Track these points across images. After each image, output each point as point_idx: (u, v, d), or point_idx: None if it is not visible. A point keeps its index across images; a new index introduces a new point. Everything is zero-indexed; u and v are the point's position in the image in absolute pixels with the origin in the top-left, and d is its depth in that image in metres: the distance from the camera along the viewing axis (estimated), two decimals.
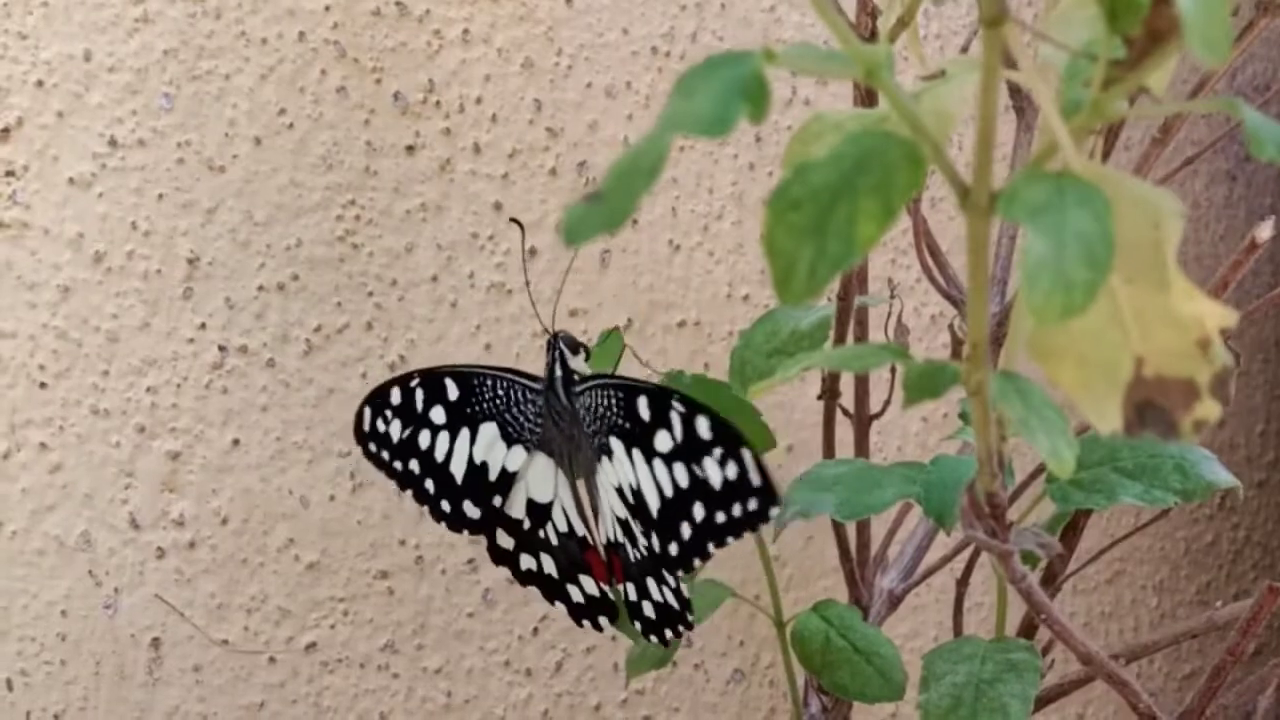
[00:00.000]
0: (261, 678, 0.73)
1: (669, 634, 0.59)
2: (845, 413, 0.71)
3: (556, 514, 0.61)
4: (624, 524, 0.58)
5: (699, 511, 0.55)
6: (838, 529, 0.72)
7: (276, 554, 0.73)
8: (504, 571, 0.76)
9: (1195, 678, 0.98)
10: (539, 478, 0.61)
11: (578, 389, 0.60)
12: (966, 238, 0.39)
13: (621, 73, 0.80)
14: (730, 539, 0.55)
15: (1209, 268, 0.97)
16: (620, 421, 0.58)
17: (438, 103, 0.76)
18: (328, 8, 0.74)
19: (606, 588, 0.61)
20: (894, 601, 0.72)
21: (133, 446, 0.70)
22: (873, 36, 0.61)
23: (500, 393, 0.61)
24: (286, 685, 0.73)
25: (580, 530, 0.61)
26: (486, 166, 0.77)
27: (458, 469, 0.61)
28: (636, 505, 0.57)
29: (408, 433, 0.61)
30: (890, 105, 0.39)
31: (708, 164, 0.83)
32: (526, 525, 0.62)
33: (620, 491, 0.58)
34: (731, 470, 0.54)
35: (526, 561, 0.62)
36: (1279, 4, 0.60)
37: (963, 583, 0.71)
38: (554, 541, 0.61)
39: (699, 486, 0.55)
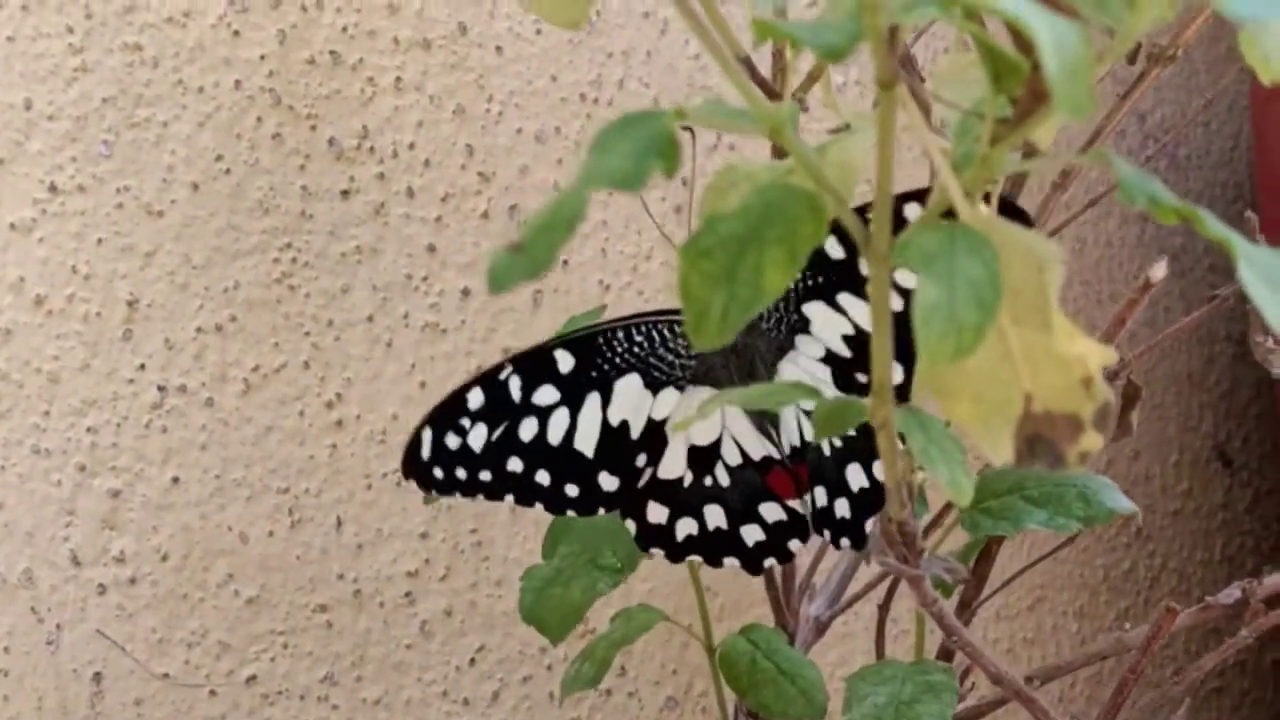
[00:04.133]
0: (202, 711, 0.73)
1: (867, 526, 0.57)
2: None
3: (727, 449, 0.59)
4: (803, 439, 0.57)
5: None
6: None
7: (216, 589, 0.74)
8: (442, 603, 0.78)
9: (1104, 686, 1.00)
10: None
11: None
12: (869, 283, 0.41)
13: (551, 119, 0.82)
14: None
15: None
16: (809, 283, 0.57)
17: (371, 148, 0.78)
18: (263, 56, 0.75)
19: (796, 504, 0.59)
20: (820, 628, 0.74)
21: (73, 485, 0.71)
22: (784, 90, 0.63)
23: (639, 339, 0.59)
24: (227, 718, 0.74)
25: (760, 453, 0.59)
26: (420, 210, 0.79)
27: (586, 442, 0.58)
28: (856, 355, 0.55)
29: (501, 431, 0.58)
30: (795, 159, 0.41)
31: (635, 207, 0.85)
32: (688, 480, 0.59)
33: (829, 359, 0.56)
34: None
35: (685, 527, 0.60)
36: (1170, 56, 0.62)
37: (884, 608, 0.73)
38: (724, 483, 0.59)
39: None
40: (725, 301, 0.39)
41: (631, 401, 0.59)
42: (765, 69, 0.65)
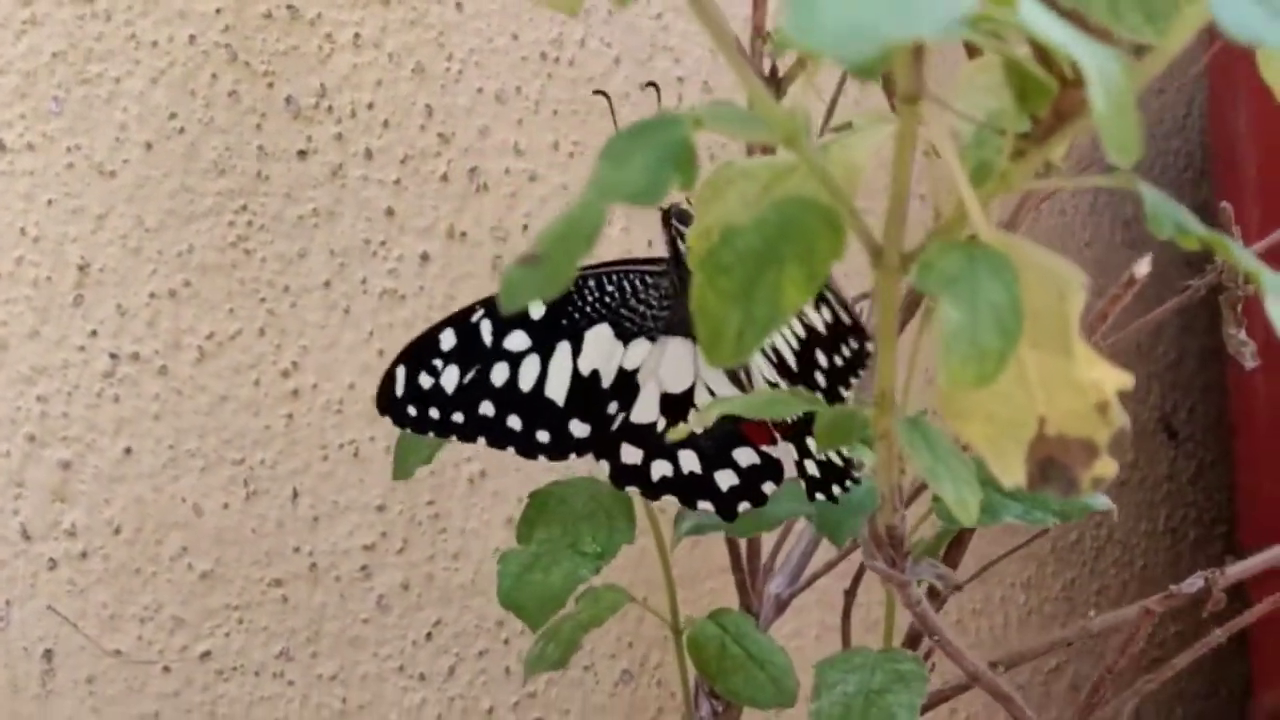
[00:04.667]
0: (156, 687, 0.73)
1: (836, 490, 0.58)
2: None
3: (700, 396, 0.60)
4: (773, 386, 0.57)
5: (822, 358, 0.54)
6: (730, 538, 0.74)
7: (170, 563, 0.73)
8: (398, 576, 0.78)
9: (1059, 672, 1.02)
10: (673, 365, 0.60)
11: None
12: (877, 294, 0.42)
13: (511, 78, 0.82)
14: (852, 381, 0.54)
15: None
16: None
17: (329, 107, 0.77)
18: (219, 10, 0.74)
19: (770, 449, 0.60)
20: (780, 606, 0.75)
21: (23, 456, 0.70)
22: (773, 75, 0.63)
23: (610, 289, 0.60)
24: (181, 694, 0.74)
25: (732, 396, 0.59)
26: (378, 172, 0.78)
27: (557, 390, 0.59)
28: (779, 361, 0.56)
29: (473, 374, 0.59)
30: (807, 168, 0.41)
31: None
32: (661, 425, 0.60)
33: (764, 352, 0.57)
34: (826, 313, 0.53)
35: (660, 469, 0.61)
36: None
37: (850, 593, 0.74)
38: (698, 430, 0.60)
39: (811, 333, 0.54)
40: (741, 321, 0.39)
41: (602, 351, 0.60)
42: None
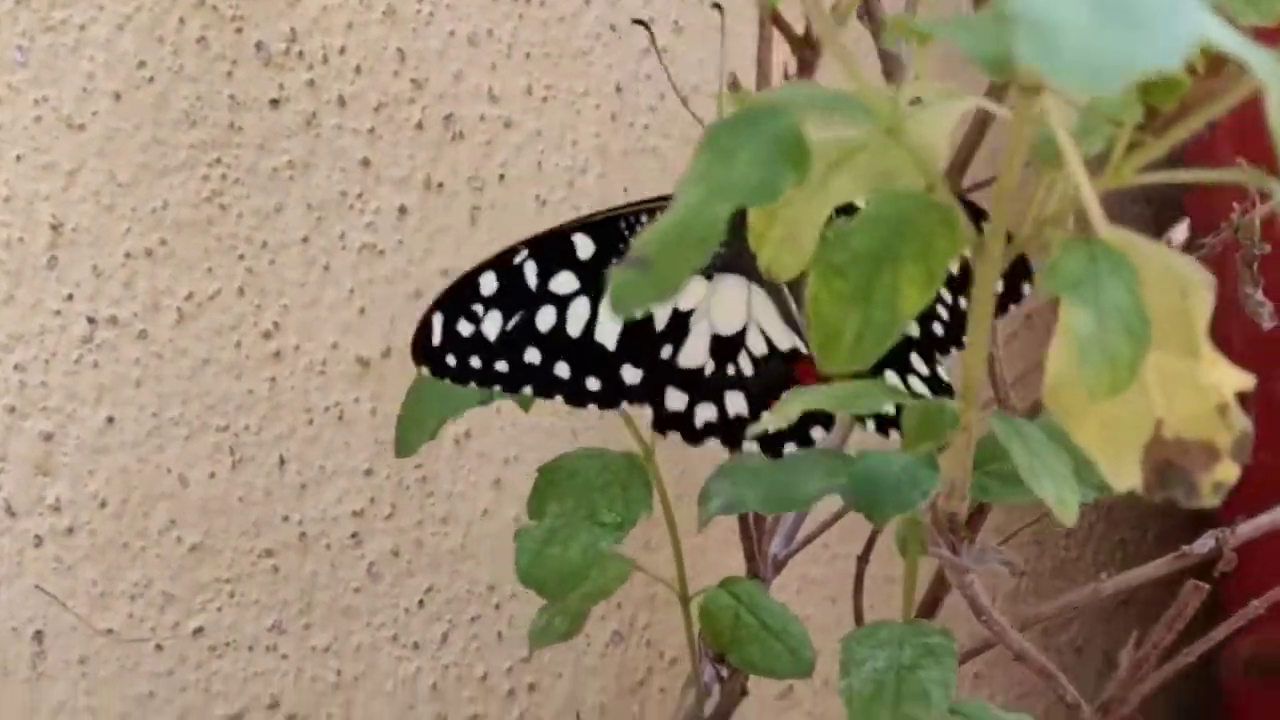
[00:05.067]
0: (149, 666, 0.71)
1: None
2: None
3: (752, 339, 0.59)
4: None
5: (942, 309, 0.54)
6: None
7: (158, 536, 0.71)
8: (388, 543, 0.77)
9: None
10: (726, 305, 0.58)
11: None
12: (974, 285, 0.41)
13: (483, 20, 0.81)
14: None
15: None
16: None
17: (300, 53, 0.75)
18: None
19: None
20: (778, 567, 0.74)
21: (3, 428, 0.68)
22: (807, 38, 0.62)
23: None
24: (175, 673, 0.72)
25: (787, 344, 0.58)
26: (352, 121, 0.77)
27: (608, 334, 0.57)
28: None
29: (517, 320, 0.57)
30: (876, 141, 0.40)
31: (570, 115, 0.84)
32: (709, 369, 0.58)
33: None
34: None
35: (705, 413, 0.59)
36: None
37: (863, 559, 0.73)
38: (748, 372, 0.58)
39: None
40: (859, 325, 0.38)
41: None
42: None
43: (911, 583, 0.69)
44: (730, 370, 0.59)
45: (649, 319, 0.58)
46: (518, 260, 0.57)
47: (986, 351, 0.42)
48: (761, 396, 0.59)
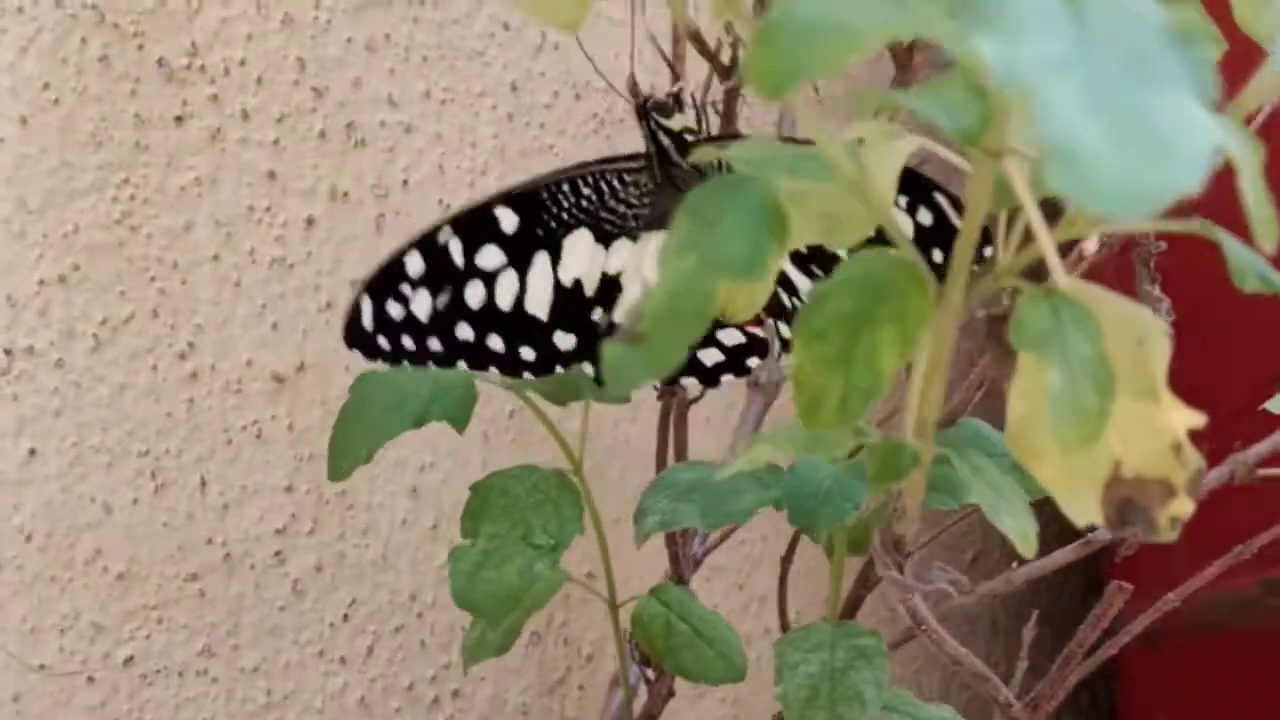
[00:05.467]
0: (82, 699, 0.72)
1: None
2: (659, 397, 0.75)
3: None
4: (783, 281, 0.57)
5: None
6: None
7: (84, 567, 0.72)
8: (311, 559, 0.78)
9: None
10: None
11: (691, 147, 0.58)
12: (935, 328, 0.41)
13: (380, 25, 0.81)
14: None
15: None
16: None
17: (202, 67, 0.75)
18: None
19: (755, 330, 0.59)
20: (695, 564, 0.77)
21: None
22: (733, 65, 0.63)
23: (586, 192, 0.58)
24: (108, 704, 0.72)
25: None
26: (256, 133, 0.77)
27: (539, 304, 0.58)
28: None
29: (446, 298, 0.56)
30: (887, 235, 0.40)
31: (469, 117, 0.85)
32: None
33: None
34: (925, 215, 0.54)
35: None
36: None
37: (787, 560, 0.76)
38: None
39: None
40: (843, 389, 0.39)
41: (584, 257, 0.58)
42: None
43: (838, 585, 0.71)
44: None
45: (578, 287, 0.58)
46: (442, 239, 0.56)
47: (942, 392, 0.43)
48: (708, 338, 0.60)
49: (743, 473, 0.67)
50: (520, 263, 0.57)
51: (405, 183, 0.83)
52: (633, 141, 0.90)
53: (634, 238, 0.59)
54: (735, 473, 0.66)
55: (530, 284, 0.58)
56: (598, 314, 0.59)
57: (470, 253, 0.57)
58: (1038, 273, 0.41)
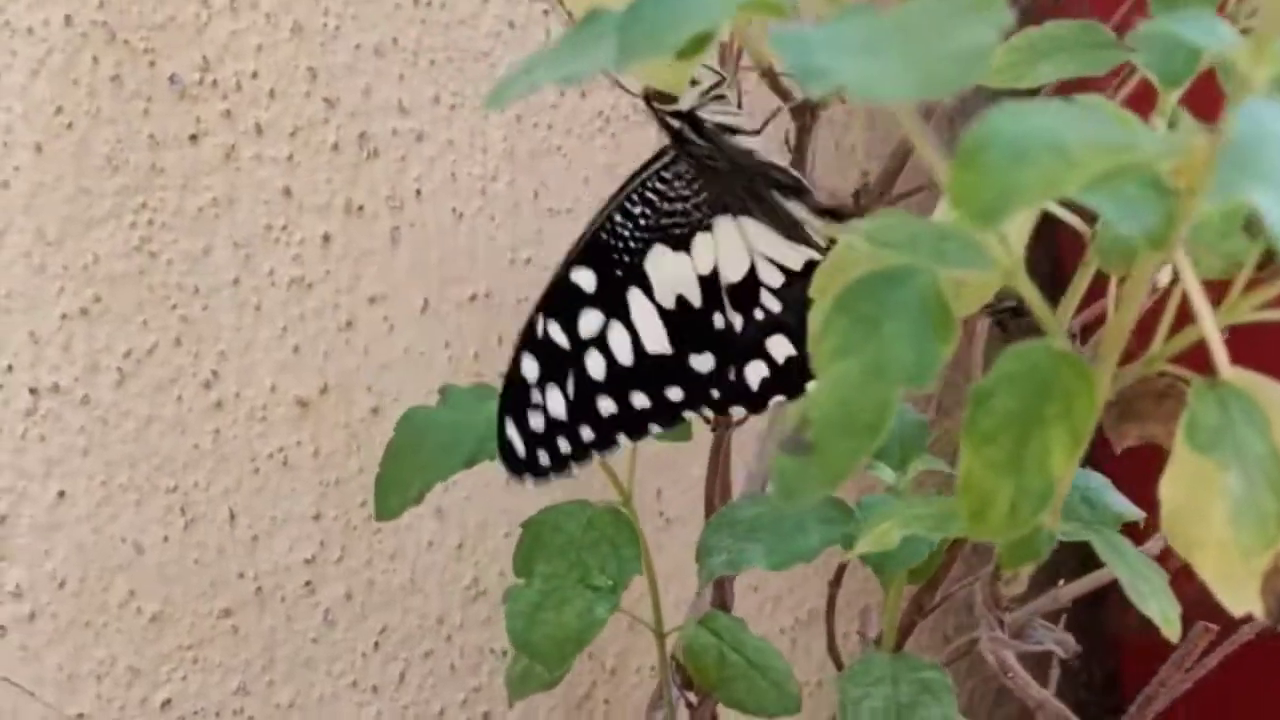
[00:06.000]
0: None
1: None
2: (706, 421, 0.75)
3: (765, 274, 0.56)
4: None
5: None
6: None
7: (118, 610, 0.71)
8: (341, 588, 0.77)
9: None
10: (730, 249, 0.56)
11: (705, 120, 0.56)
12: (1078, 415, 0.39)
13: (388, 29, 0.80)
14: None
15: None
16: None
17: (214, 82, 0.74)
18: None
19: None
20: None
21: None
22: (807, 102, 0.62)
23: (638, 210, 0.56)
24: None
25: (801, 261, 0.56)
26: (270, 148, 0.76)
27: (656, 340, 0.56)
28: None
29: (574, 383, 0.55)
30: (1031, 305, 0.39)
31: (478, 121, 0.84)
32: (739, 324, 0.56)
33: None
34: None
35: (756, 372, 0.57)
36: None
37: (835, 583, 0.76)
38: (776, 309, 0.56)
39: None
40: (1013, 493, 0.38)
41: (671, 272, 0.56)
42: None
43: (893, 614, 0.71)
44: (760, 315, 0.56)
45: (683, 304, 0.56)
46: (540, 330, 0.56)
47: (1074, 471, 0.42)
48: (802, 328, 0.56)
49: (808, 510, 0.67)
50: (620, 311, 0.56)
51: (419, 193, 0.82)
52: (638, 138, 0.90)
53: (707, 228, 0.56)
54: (801, 510, 0.66)
55: (639, 326, 0.56)
56: (718, 320, 0.56)
57: (571, 328, 0.56)
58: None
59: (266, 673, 0.76)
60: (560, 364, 0.56)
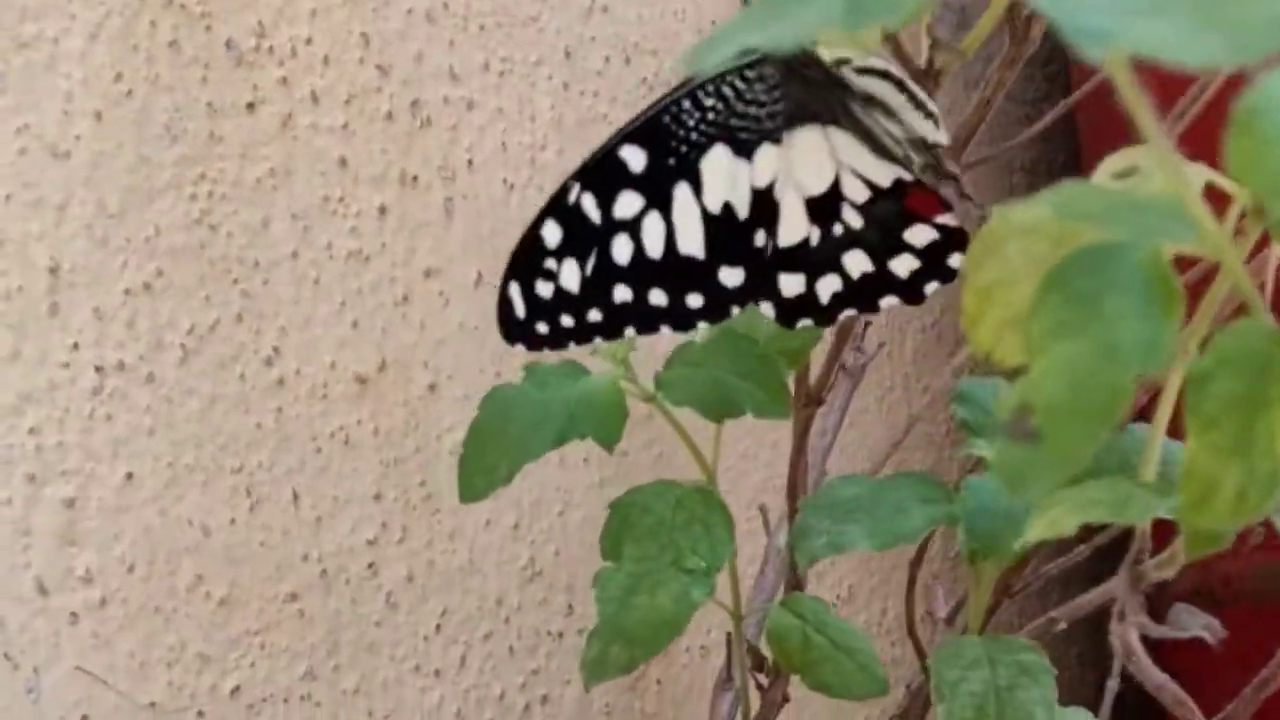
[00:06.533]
0: None
1: None
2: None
3: (849, 188, 0.53)
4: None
5: None
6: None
7: (187, 594, 0.70)
8: (402, 569, 0.76)
9: None
10: (808, 161, 0.53)
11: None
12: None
13: None
14: None
15: None
16: None
17: (270, 48, 0.73)
18: None
19: (946, 219, 0.54)
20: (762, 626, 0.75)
21: (25, 500, 0.65)
22: (929, 70, 0.61)
23: (710, 102, 0.53)
24: None
25: (888, 178, 0.53)
26: (326, 117, 0.75)
27: (692, 242, 0.53)
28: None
29: (593, 261, 0.53)
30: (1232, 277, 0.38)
31: (526, 88, 0.84)
32: (815, 239, 0.53)
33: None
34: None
35: (828, 285, 0.54)
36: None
37: (916, 564, 0.75)
38: (857, 225, 0.53)
39: None
40: (1242, 480, 0.37)
41: (727, 177, 0.53)
42: None
43: (982, 596, 0.70)
44: (838, 230, 0.54)
45: (729, 212, 0.53)
46: (573, 198, 0.52)
47: None
48: (882, 245, 0.54)
49: (905, 485, 0.66)
50: (661, 202, 0.52)
51: (470, 163, 0.81)
52: None
53: (776, 140, 0.53)
54: (895, 486, 0.66)
55: (678, 222, 0.53)
56: (760, 238, 0.53)
57: (606, 205, 0.52)
58: None
59: (332, 657, 0.75)
60: (585, 239, 0.53)
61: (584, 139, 0.86)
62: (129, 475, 0.68)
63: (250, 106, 0.72)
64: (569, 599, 0.85)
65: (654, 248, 0.52)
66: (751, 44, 0.36)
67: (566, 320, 0.53)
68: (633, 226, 0.52)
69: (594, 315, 0.53)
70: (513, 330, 0.53)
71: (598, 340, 0.54)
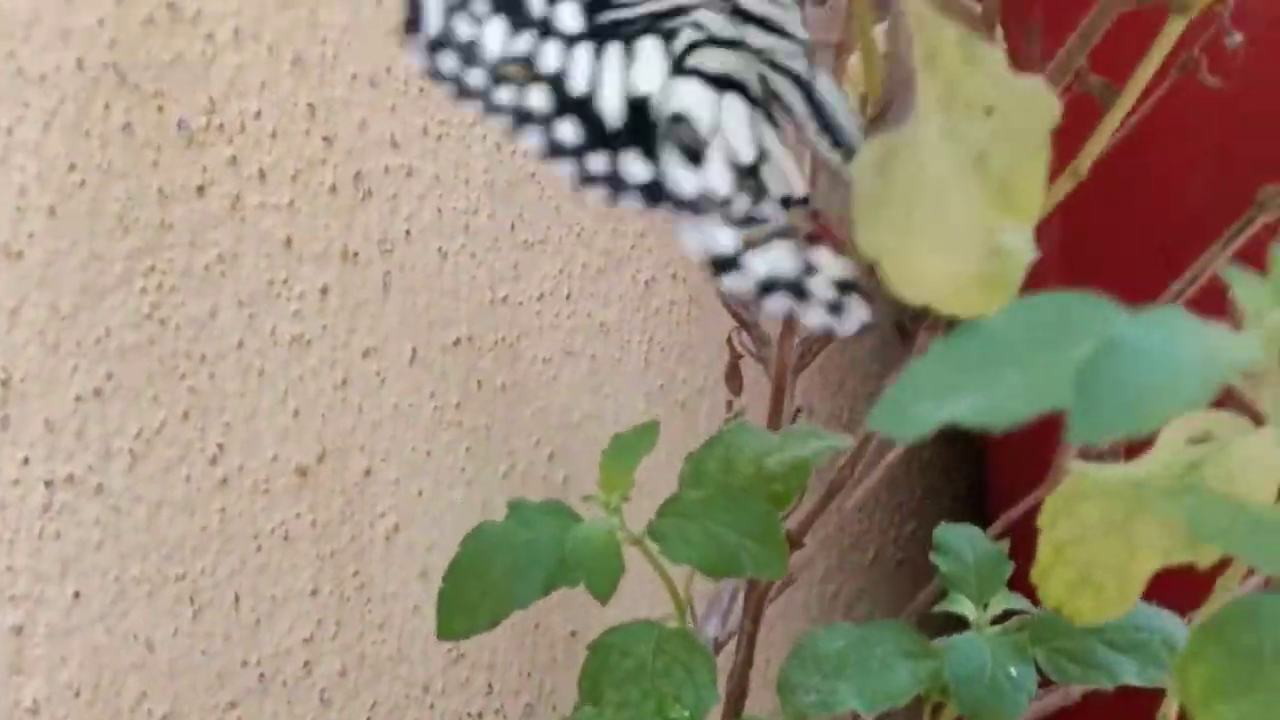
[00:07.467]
0: None
1: None
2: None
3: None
4: None
5: None
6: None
7: (130, 715, 0.68)
8: (336, 664, 0.76)
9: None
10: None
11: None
12: None
13: (381, 57, 0.78)
14: None
15: None
16: None
17: (221, 125, 0.71)
18: (101, 21, 0.66)
19: None
20: (717, 649, 0.76)
21: None
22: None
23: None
24: None
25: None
26: (273, 195, 0.73)
27: (610, 104, 0.48)
28: None
29: (521, 44, 0.47)
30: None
31: (462, 151, 0.82)
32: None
33: None
34: None
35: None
36: None
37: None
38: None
39: None
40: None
41: (655, 73, 0.48)
42: None
43: None
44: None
45: (644, 105, 0.48)
46: None
47: None
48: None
49: (884, 638, 0.67)
50: (596, 39, 0.47)
51: (408, 233, 0.79)
52: None
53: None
54: (875, 638, 0.67)
55: (604, 76, 0.47)
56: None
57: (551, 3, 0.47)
58: None
59: None
60: (520, 14, 0.47)
61: (514, 200, 0.85)
62: (76, 594, 0.66)
63: (200, 190, 0.70)
64: (489, 678, 0.84)
65: (577, 81, 0.47)
66: (958, 418, 0.35)
67: (475, 79, 0.46)
68: (567, 43, 0.47)
69: (502, 95, 0.47)
70: (415, 38, 0.46)
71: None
